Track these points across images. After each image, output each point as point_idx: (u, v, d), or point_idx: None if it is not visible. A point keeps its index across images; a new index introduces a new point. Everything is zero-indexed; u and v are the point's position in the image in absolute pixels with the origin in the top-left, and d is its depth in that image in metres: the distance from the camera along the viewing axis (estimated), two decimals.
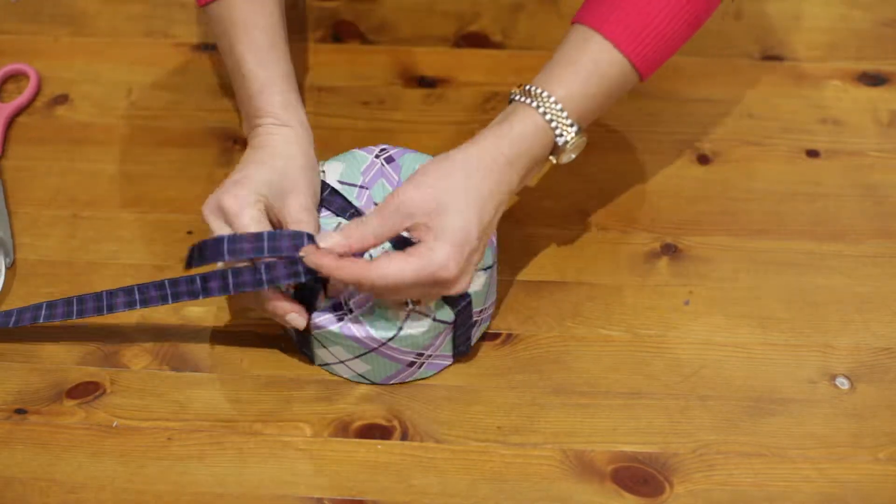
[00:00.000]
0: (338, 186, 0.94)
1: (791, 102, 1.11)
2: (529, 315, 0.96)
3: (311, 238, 0.85)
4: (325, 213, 0.93)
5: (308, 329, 0.88)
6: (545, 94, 0.86)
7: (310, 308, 0.88)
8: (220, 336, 0.96)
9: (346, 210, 0.93)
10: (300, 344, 0.93)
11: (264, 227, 0.86)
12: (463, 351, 0.92)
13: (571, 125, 0.86)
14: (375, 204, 0.92)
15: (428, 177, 0.84)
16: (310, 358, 0.93)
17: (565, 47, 0.88)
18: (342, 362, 0.91)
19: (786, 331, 0.96)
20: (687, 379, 0.93)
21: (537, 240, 1.01)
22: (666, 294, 0.98)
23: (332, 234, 0.84)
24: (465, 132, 1.09)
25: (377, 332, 0.87)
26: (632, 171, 1.06)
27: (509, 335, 0.95)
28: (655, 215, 1.03)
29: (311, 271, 0.84)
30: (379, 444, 0.90)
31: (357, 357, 0.89)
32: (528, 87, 0.87)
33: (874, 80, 1.13)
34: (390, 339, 0.87)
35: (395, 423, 0.91)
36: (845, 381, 0.93)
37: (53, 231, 1.03)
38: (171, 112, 1.11)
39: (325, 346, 0.90)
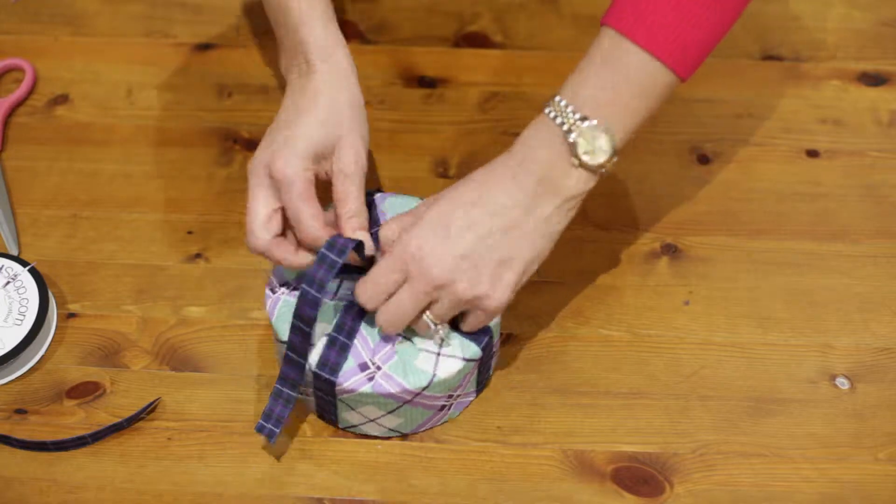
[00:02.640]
0: None
1: (791, 102, 1.11)
2: (529, 315, 0.96)
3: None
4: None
5: (333, 394, 0.86)
6: (556, 97, 0.83)
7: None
8: (220, 336, 0.96)
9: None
10: (321, 410, 0.89)
11: (311, 202, 0.85)
12: (484, 384, 0.92)
13: (582, 119, 0.81)
14: None
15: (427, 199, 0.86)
16: (332, 423, 0.90)
17: (588, 51, 0.84)
18: (372, 421, 0.88)
19: (786, 331, 0.96)
20: (687, 379, 0.93)
21: None
22: (666, 294, 0.98)
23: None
24: (464, 132, 1.09)
25: (411, 383, 0.85)
26: (632, 171, 1.06)
27: (509, 335, 0.95)
28: (655, 215, 1.03)
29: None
30: (379, 444, 0.90)
31: (389, 413, 0.87)
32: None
33: (874, 80, 1.13)
34: (425, 388, 0.85)
35: None
36: (845, 381, 0.93)
37: (53, 231, 1.03)
38: (171, 112, 1.11)
39: (353, 409, 0.87)
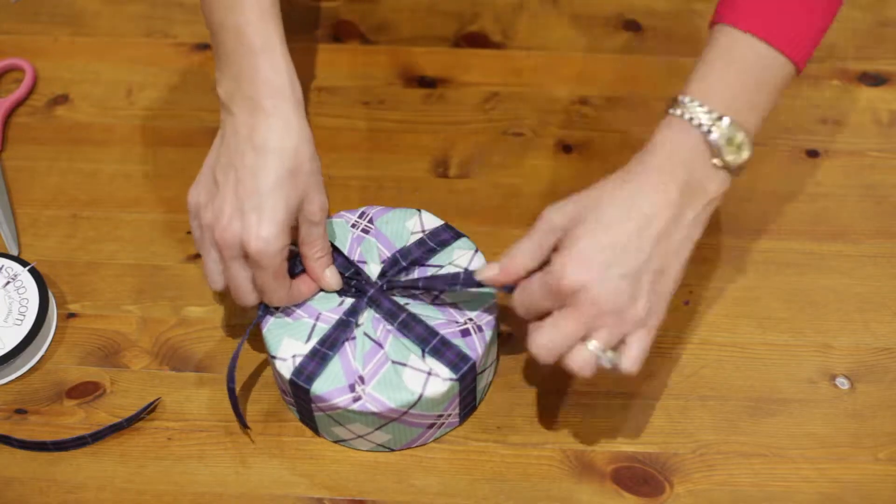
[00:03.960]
0: None
1: (791, 102, 1.11)
2: None
3: (467, 274, 0.86)
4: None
5: (309, 400, 0.85)
6: (680, 96, 0.81)
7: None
8: (220, 336, 0.96)
9: (348, 268, 0.90)
10: (303, 418, 0.89)
11: (284, 280, 0.86)
12: (468, 413, 0.90)
13: (720, 118, 0.79)
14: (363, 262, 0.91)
15: (576, 194, 0.82)
16: (315, 432, 0.90)
17: (704, 52, 0.82)
18: (361, 437, 0.87)
19: (785, 331, 0.96)
20: (687, 379, 0.93)
21: None
22: None
23: (491, 266, 0.83)
24: (464, 132, 1.09)
25: (396, 402, 0.83)
26: None
27: (509, 335, 0.95)
28: None
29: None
30: None
31: (377, 429, 0.86)
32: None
33: (874, 80, 1.13)
34: (412, 406, 0.84)
35: None
36: (845, 381, 0.93)
37: (53, 231, 1.03)
38: (171, 112, 1.11)
39: (341, 424, 0.87)
